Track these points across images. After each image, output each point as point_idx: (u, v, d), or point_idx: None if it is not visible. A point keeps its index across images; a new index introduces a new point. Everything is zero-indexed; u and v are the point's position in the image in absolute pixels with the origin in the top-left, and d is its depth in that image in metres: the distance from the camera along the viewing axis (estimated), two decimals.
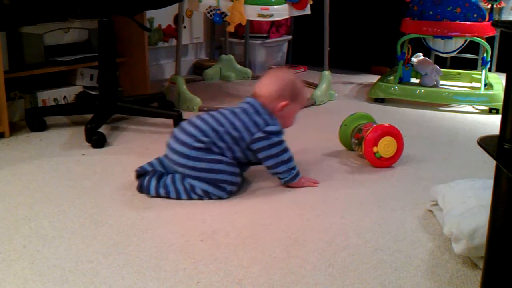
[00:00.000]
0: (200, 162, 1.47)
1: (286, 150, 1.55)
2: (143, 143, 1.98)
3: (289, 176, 1.55)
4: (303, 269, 1.14)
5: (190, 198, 1.48)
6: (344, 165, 1.80)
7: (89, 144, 1.92)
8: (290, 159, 1.55)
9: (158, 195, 1.49)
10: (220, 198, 1.49)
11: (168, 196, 1.48)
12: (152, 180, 1.48)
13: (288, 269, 1.14)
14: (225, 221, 1.36)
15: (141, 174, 1.54)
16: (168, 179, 1.49)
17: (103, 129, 2.00)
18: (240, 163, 1.54)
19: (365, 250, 1.22)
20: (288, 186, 1.58)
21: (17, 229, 1.30)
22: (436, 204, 1.38)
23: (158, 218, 1.37)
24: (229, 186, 1.49)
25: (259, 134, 1.51)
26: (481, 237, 1.09)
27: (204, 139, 1.48)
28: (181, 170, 1.49)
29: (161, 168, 1.55)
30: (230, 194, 1.51)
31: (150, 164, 1.56)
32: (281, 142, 1.54)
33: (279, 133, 1.54)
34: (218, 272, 1.12)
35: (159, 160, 1.57)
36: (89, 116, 2.03)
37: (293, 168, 1.56)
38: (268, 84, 1.58)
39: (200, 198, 1.48)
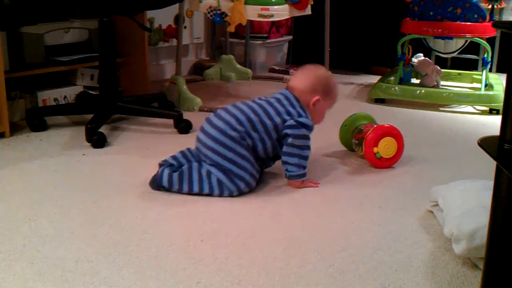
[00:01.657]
0: (230, 152, 1.49)
1: (308, 147, 1.57)
2: (144, 143, 1.98)
3: (296, 172, 1.55)
4: (303, 270, 1.14)
5: (201, 190, 1.48)
6: (345, 165, 1.80)
7: (90, 144, 1.92)
8: (306, 158, 1.57)
9: (170, 185, 1.48)
10: (230, 193, 1.49)
11: (180, 187, 1.48)
12: (166, 170, 1.49)
13: (288, 270, 1.14)
14: (226, 221, 1.36)
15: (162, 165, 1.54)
16: (185, 167, 1.49)
17: (103, 129, 2.00)
18: (266, 158, 1.57)
19: (365, 251, 1.22)
20: (289, 185, 1.58)
21: (17, 229, 1.30)
22: (437, 205, 1.38)
23: (158, 218, 1.37)
24: (243, 184, 1.50)
25: (291, 122, 1.54)
26: (482, 238, 1.09)
27: (239, 127, 1.49)
28: (210, 154, 1.49)
29: (184, 160, 1.55)
30: (240, 193, 1.51)
31: (173, 157, 1.56)
32: (307, 137, 1.56)
33: (309, 127, 1.56)
34: (218, 272, 1.12)
35: (182, 153, 1.58)
36: (90, 116, 2.03)
37: (304, 167, 1.57)
38: (303, 78, 1.62)
39: (211, 190, 1.48)
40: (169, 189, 1.50)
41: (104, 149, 1.91)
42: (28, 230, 1.29)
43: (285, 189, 1.57)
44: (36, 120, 2.10)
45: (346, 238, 1.28)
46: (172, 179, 1.48)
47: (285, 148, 1.55)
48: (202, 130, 1.53)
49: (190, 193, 1.49)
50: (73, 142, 1.98)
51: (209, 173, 1.48)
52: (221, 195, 1.49)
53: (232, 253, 1.20)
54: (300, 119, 1.54)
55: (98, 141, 1.92)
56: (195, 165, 1.51)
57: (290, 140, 1.53)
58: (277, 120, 1.53)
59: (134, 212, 1.40)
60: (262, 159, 1.59)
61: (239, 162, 1.49)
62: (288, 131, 1.53)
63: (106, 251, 1.20)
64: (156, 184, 1.51)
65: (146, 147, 1.94)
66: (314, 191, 1.57)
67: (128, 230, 1.30)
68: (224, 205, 1.46)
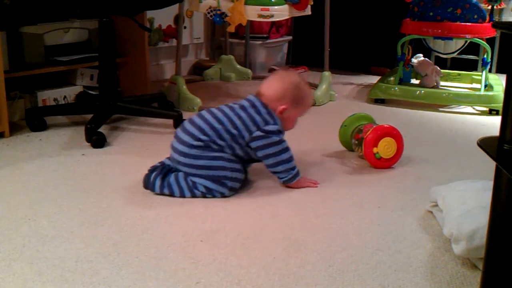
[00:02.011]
0: (199, 159, 1.47)
1: (285, 149, 1.55)
2: (143, 143, 1.98)
3: (288, 176, 1.55)
4: (302, 270, 1.14)
5: (194, 195, 1.49)
6: (344, 165, 1.80)
7: (89, 144, 1.92)
8: (289, 159, 1.55)
9: (162, 194, 1.49)
10: (223, 194, 1.49)
11: (172, 195, 1.49)
12: (157, 180, 1.49)
13: (287, 270, 1.14)
14: (225, 221, 1.36)
15: (152, 170, 1.54)
16: (172, 178, 1.50)
17: (103, 129, 2.00)
18: (242, 160, 1.55)
19: (365, 251, 1.22)
20: (288, 186, 1.58)
21: (16, 228, 1.30)
22: (436, 205, 1.38)
23: (158, 218, 1.37)
24: (230, 182, 1.49)
25: (257, 133, 1.51)
26: (481, 238, 1.09)
27: (203, 137, 1.48)
28: (182, 168, 1.50)
29: (171, 163, 1.55)
30: (233, 191, 1.51)
31: (161, 163, 1.57)
32: (280, 141, 1.54)
33: (278, 132, 1.54)
34: (218, 273, 1.12)
35: (170, 158, 1.58)
36: (89, 116, 2.03)
37: (293, 168, 1.56)
38: (273, 85, 1.58)
39: (204, 195, 1.49)
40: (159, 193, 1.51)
41: (103, 149, 1.91)
42: (28, 230, 1.29)
43: (284, 190, 1.57)
44: (35, 120, 2.10)
45: (345, 238, 1.28)
46: (163, 190, 1.49)
47: (265, 162, 1.54)
48: (172, 147, 1.53)
49: (183, 197, 1.50)
50: (73, 142, 1.98)
51: (194, 184, 1.48)
52: (214, 197, 1.49)
53: (231, 253, 1.20)
54: (266, 128, 1.52)
55: (97, 141, 1.92)
56: (181, 174, 1.50)
57: (263, 153, 1.52)
58: (242, 129, 1.51)
59: (133, 212, 1.40)
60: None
61: (214, 164, 1.48)
62: (256, 143, 1.51)
63: (105, 251, 1.20)
64: (149, 188, 1.51)
65: (146, 147, 1.94)
66: (314, 191, 1.57)
67: (128, 230, 1.30)
68: (224, 205, 1.46)
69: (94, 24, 2.46)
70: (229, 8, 2.27)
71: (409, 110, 2.56)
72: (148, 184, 1.51)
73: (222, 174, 1.48)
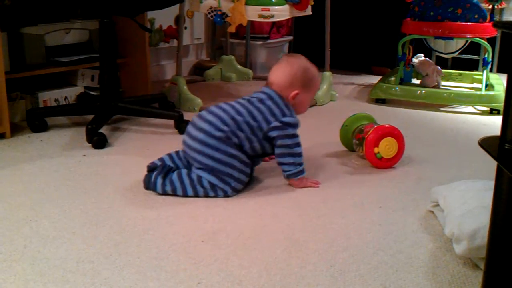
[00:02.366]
0: (217, 152, 1.48)
1: (298, 144, 1.56)
2: (144, 144, 1.99)
3: (293, 170, 1.55)
4: (304, 270, 1.14)
5: (196, 193, 1.49)
6: (345, 165, 1.80)
7: (90, 144, 1.92)
8: (299, 154, 1.56)
9: (164, 193, 1.49)
10: (225, 193, 1.49)
11: (174, 193, 1.49)
12: (159, 178, 1.49)
13: (289, 270, 1.14)
14: (226, 221, 1.36)
15: (151, 169, 1.54)
16: (174, 175, 1.50)
17: (104, 130, 2.00)
18: (255, 155, 1.56)
19: (366, 251, 1.22)
20: (290, 184, 1.58)
21: (18, 229, 1.30)
22: (437, 205, 1.38)
23: (159, 218, 1.37)
24: (235, 182, 1.50)
25: (275, 123, 1.53)
26: (482, 238, 1.09)
27: (224, 128, 1.49)
28: (198, 157, 1.49)
29: (171, 163, 1.55)
30: (235, 191, 1.51)
31: (160, 159, 1.57)
32: (295, 135, 1.56)
33: (295, 125, 1.56)
34: (219, 273, 1.12)
35: (170, 156, 1.58)
36: (90, 117, 2.03)
37: (300, 164, 1.56)
38: (280, 73, 1.60)
39: (206, 193, 1.49)
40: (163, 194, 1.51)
41: (104, 150, 1.91)
42: (29, 231, 1.30)
43: (285, 190, 1.57)
44: (36, 121, 2.10)
45: (346, 238, 1.28)
46: (165, 188, 1.49)
47: (276, 150, 1.55)
48: (188, 133, 1.53)
49: (186, 196, 1.50)
50: (74, 143, 1.98)
51: (199, 178, 1.48)
52: (216, 196, 1.49)
53: (232, 254, 1.20)
54: (284, 119, 1.54)
55: (98, 141, 1.92)
56: (184, 171, 1.51)
57: (278, 142, 1.53)
58: (261, 120, 1.53)
59: (134, 213, 1.40)
60: (251, 157, 1.57)
61: (227, 161, 1.48)
62: (274, 133, 1.53)
63: (107, 252, 1.20)
64: (150, 189, 1.51)
65: (147, 148, 1.94)
66: (315, 191, 1.57)
67: (129, 230, 1.30)
68: (225, 206, 1.46)
69: (95, 24, 2.47)
70: (230, 8, 2.27)
71: (410, 110, 2.56)
72: (149, 184, 1.50)
73: (230, 172, 1.49)
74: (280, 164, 1.57)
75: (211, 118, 1.51)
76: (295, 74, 1.58)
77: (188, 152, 1.52)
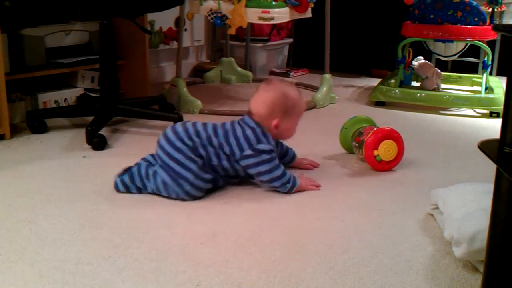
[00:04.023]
0: (177, 152, 1.48)
1: (276, 167, 1.53)
2: (144, 145, 1.98)
3: (285, 189, 1.55)
4: (303, 272, 1.14)
5: (145, 188, 1.51)
6: (345, 168, 1.80)
7: (90, 146, 1.92)
8: (282, 175, 1.54)
9: (128, 190, 1.53)
10: (178, 195, 1.47)
11: (132, 182, 1.52)
12: (117, 180, 1.53)
13: (288, 272, 1.13)
14: (225, 223, 1.36)
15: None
16: (134, 168, 1.54)
17: (103, 131, 2.00)
18: (226, 174, 1.55)
19: (366, 254, 1.22)
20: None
21: (17, 231, 1.30)
22: (437, 208, 1.38)
23: (158, 220, 1.37)
24: (189, 186, 1.47)
25: (248, 151, 1.52)
26: (482, 241, 1.09)
27: (195, 139, 1.50)
28: (159, 152, 1.51)
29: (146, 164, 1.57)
30: (190, 196, 1.48)
31: (137, 165, 1.58)
32: (270, 159, 1.53)
33: (269, 151, 1.53)
34: (218, 275, 1.12)
35: (145, 159, 1.60)
36: (90, 118, 2.04)
37: (288, 182, 1.54)
38: (259, 102, 1.57)
39: (158, 191, 1.49)
40: (129, 192, 1.53)
41: (104, 151, 1.91)
42: (28, 232, 1.29)
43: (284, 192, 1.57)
44: (36, 122, 2.10)
45: (346, 241, 1.28)
46: (125, 182, 1.52)
47: (258, 178, 1.55)
48: (164, 133, 1.54)
49: (141, 193, 1.52)
50: (74, 144, 1.98)
51: (155, 174, 1.50)
52: (169, 196, 1.49)
53: (232, 256, 1.20)
54: (258, 146, 1.52)
55: (98, 143, 1.92)
56: (144, 164, 1.54)
57: (256, 170, 1.52)
58: (234, 145, 1.52)
59: (134, 215, 1.40)
60: (219, 173, 1.55)
61: (184, 162, 1.47)
62: (246, 161, 1.52)
63: (106, 254, 1.20)
64: (119, 191, 1.54)
65: (147, 149, 1.92)
66: (314, 194, 1.57)
67: (128, 232, 1.30)
68: (224, 208, 1.46)
69: (95, 26, 2.47)
70: (230, 10, 2.27)
71: (410, 112, 2.56)
72: (117, 188, 1.54)
73: (185, 175, 1.47)
74: (272, 187, 1.56)
75: (190, 127, 1.52)
76: (273, 103, 1.55)
77: (157, 150, 1.54)
